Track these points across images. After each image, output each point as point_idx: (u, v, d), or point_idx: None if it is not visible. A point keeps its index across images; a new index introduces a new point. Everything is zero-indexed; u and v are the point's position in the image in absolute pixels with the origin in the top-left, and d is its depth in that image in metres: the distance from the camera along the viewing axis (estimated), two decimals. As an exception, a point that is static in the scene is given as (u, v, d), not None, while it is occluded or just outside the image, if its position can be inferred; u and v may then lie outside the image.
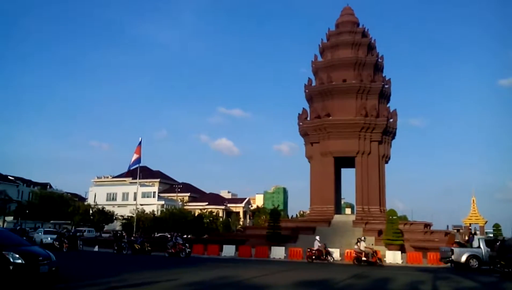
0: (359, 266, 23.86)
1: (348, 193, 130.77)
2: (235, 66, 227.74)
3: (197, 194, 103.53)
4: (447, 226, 78.34)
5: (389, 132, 43.75)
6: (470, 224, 70.47)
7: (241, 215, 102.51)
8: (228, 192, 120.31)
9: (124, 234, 38.14)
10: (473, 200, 69.98)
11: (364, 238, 27.43)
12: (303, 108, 46.76)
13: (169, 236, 37.88)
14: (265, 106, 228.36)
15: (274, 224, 37.75)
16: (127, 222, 60.14)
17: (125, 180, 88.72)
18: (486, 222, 69.16)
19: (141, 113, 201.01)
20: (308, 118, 45.75)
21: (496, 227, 63.81)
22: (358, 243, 25.86)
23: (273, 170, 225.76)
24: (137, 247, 29.70)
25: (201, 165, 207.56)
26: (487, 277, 18.25)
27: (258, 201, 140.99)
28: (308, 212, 48.70)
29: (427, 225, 43.17)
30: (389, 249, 31.97)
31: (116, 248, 30.73)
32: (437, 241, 35.13)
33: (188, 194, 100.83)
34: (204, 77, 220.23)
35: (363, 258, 25.04)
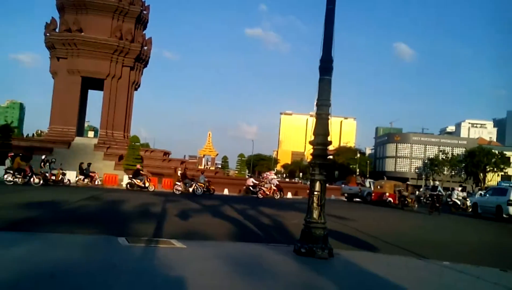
0: (94, 189, 24.04)
1: (93, 116, 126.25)
2: None
3: None
4: (184, 156, 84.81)
5: (142, 59, 43.65)
6: (204, 155, 78.13)
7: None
8: None
9: None
10: (209, 134, 77.38)
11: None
12: (53, 17, 42.00)
13: None
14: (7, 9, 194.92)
15: (3, 142, 33.84)
16: None
17: None
18: (217, 154, 78.00)
19: None
20: (57, 30, 41.48)
21: (225, 159, 72.71)
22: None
23: (7, 82, 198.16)
24: None
25: None
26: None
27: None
28: (46, 132, 45.31)
29: (166, 153, 45.97)
30: (128, 174, 32.98)
31: None
32: (173, 167, 37.93)
33: None
34: None
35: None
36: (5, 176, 23.07)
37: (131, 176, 27.57)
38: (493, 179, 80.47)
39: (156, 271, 5.30)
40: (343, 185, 39.01)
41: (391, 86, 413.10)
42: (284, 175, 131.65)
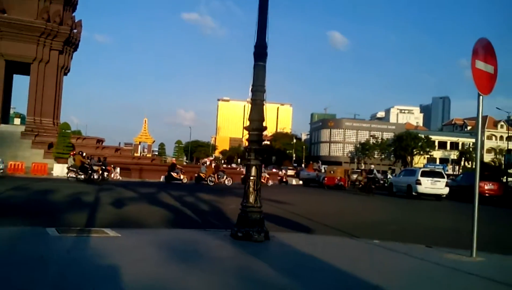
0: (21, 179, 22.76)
1: (20, 102, 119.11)
2: None
3: None
4: (119, 143, 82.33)
5: (71, 43, 41.53)
6: (140, 142, 76.29)
7: None
8: None
9: None
10: (145, 121, 75.62)
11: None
12: (-27, -4, 38.73)
13: None
14: None
15: None
16: None
17: None
18: (154, 141, 76.47)
19: None
20: (-23, 10, 38.35)
21: (162, 146, 71.33)
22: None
23: None
24: None
25: None
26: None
27: None
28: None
29: (100, 141, 44.40)
30: (58, 162, 31.53)
31: None
32: (108, 155, 36.76)
33: None
34: None
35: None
36: None
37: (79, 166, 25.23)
38: (419, 161, 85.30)
39: (87, 261, 5.12)
40: (301, 171, 42.05)
41: (325, 74, 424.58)
42: (223, 161, 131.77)
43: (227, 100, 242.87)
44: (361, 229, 10.46)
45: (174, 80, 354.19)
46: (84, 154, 25.73)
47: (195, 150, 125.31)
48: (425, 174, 25.09)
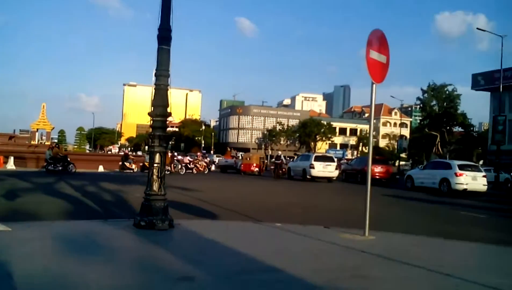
0: None
1: None
2: None
3: None
4: (14, 130, 76.18)
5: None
6: (37, 129, 71.08)
7: None
8: None
9: None
10: (43, 106, 70.42)
11: None
12: None
13: None
14: None
15: None
16: None
17: None
18: (53, 128, 71.66)
19: None
20: None
21: (62, 132, 67.11)
22: None
23: None
24: None
25: None
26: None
27: None
28: None
29: (-11, 128, 40.65)
30: None
31: None
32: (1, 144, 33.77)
33: None
34: None
35: None
36: None
37: None
38: (322, 147, 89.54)
39: (-29, 259, 4.69)
40: (219, 158, 43.05)
41: (234, 60, 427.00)
42: (129, 148, 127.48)
43: (134, 85, 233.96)
44: (265, 212, 10.77)
45: (76, 63, 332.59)
46: None
47: (99, 137, 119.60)
48: (317, 158, 27.34)
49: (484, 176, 21.67)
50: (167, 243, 6.15)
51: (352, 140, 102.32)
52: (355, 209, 11.30)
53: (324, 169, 26.70)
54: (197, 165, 33.08)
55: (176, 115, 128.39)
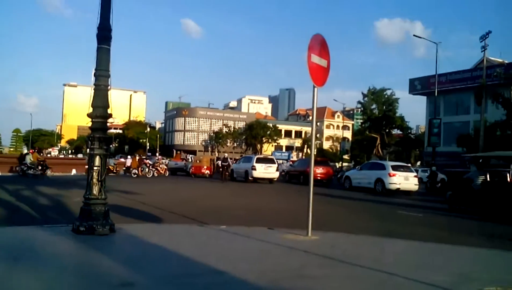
0: None
1: None
2: None
3: None
4: None
5: None
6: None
7: None
8: None
9: None
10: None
11: None
12: None
13: None
14: None
15: None
16: None
17: None
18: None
19: None
20: None
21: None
22: None
23: None
24: None
25: None
26: None
27: None
28: None
29: None
30: None
31: None
32: None
33: None
34: None
35: None
36: None
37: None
38: (268, 149, 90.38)
39: None
40: (168, 161, 43.03)
41: (180, 62, 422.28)
42: (70, 151, 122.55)
43: (75, 85, 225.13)
44: (210, 215, 10.72)
45: (12, 62, 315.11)
46: None
47: (38, 139, 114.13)
48: (259, 160, 27.94)
49: (415, 176, 22.91)
50: (107, 249, 5.95)
51: (298, 142, 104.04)
52: (298, 210, 11.48)
53: (265, 171, 27.34)
54: (158, 168, 32.97)
55: (120, 117, 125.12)
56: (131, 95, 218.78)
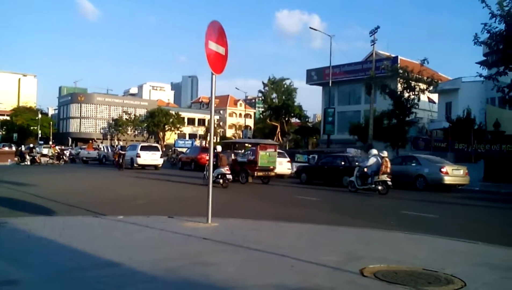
0: None
1: None
2: None
3: None
4: None
5: None
6: None
7: None
8: None
9: None
10: None
11: None
12: None
13: None
14: None
15: None
16: None
17: None
18: None
19: None
20: None
21: None
22: None
23: None
24: None
25: None
26: None
27: None
28: None
29: None
30: None
31: None
32: None
33: None
34: None
35: None
36: None
37: None
38: (171, 137, 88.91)
39: None
40: (81, 150, 43.10)
41: (75, 45, 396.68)
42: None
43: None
44: (108, 205, 10.34)
45: None
46: None
47: None
48: (143, 148, 29.46)
49: (288, 161, 24.54)
50: (-12, 245, 5.49)
51: (201, 130, 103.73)
52: (198, 197, 11.52)
53: (150, 158, 28.95)
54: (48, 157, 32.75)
55: (8, 103, 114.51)
56: (19, 79, 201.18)
